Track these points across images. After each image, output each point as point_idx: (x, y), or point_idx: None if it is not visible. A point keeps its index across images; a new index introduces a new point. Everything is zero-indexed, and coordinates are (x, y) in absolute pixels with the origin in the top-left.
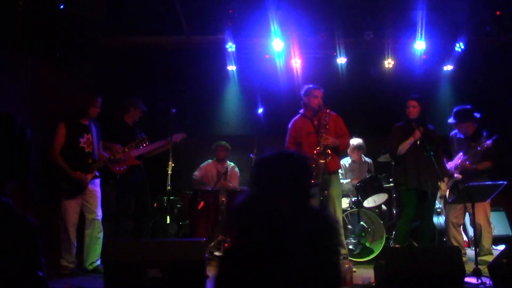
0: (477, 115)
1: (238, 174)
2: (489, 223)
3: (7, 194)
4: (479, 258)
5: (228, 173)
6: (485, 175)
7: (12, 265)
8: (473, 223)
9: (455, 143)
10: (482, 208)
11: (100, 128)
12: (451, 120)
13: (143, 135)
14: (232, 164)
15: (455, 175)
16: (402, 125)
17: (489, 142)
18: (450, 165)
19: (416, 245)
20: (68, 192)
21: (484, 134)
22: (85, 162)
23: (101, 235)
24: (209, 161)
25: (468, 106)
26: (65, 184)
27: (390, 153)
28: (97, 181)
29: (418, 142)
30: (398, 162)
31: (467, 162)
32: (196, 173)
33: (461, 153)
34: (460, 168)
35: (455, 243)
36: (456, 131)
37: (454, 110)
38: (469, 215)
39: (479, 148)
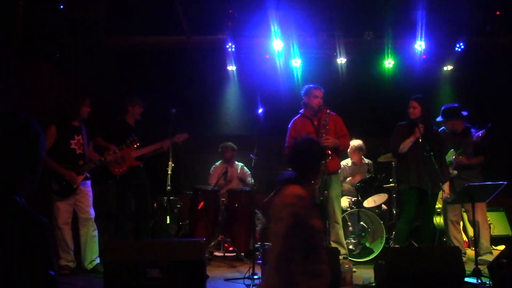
0: (464, 113)
1: (249, 172)
2: (486, 220)
3: (20, 193)
4: (479, 258)
5: (239, 172)
6: (477, 169)
7: (25, 264)
8: (472, 221)
9: (444, 140)
10: (480, 205)
11: (89, 128)
12: (439, 118)
13: (133, 136)
14: (241, 164)
15: (450, 170)
16: (406, 124)
17: (483, 131)
18: None
19: (416, 245)
20: (58, 193)
21: (473, 130)
22: (76, 163)
23: (96, 233)
24: (217, 164)
25: (456, 104)
26: (55, 186)
27: (393, 151)
28: (89, 182)
29: (420, 140)
30: (400, 160)
31: (460, 157)
32: (212, 181)
33: (452, 150)
34: (455, 164)
35: (455, 242)
36: (443, 128)
37: (442, 108)
38: (467, 212)
39: (474, 138)
